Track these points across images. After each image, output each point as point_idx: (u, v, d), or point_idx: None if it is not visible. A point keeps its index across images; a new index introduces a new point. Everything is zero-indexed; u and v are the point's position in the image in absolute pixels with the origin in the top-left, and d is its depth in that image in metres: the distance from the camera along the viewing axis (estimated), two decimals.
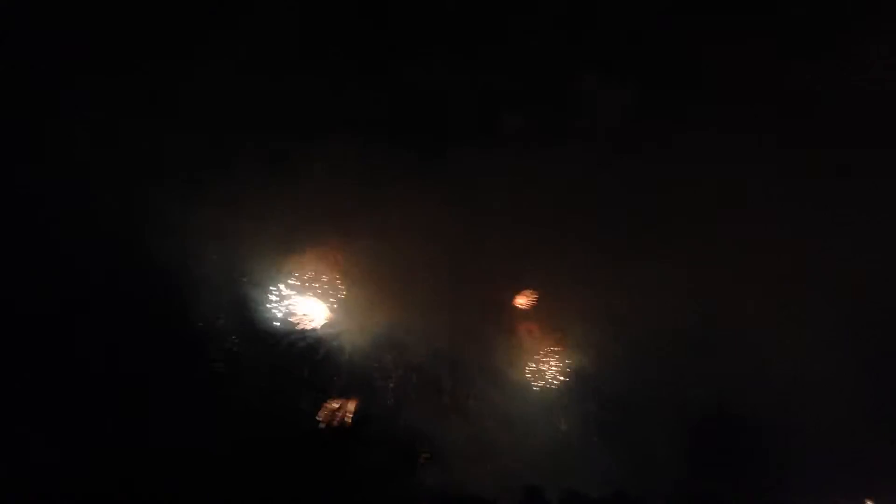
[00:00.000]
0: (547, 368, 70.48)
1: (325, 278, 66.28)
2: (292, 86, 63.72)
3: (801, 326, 64.84)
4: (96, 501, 47.89)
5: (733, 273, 68.58)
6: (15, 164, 55.02)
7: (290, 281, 65.06)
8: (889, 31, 64.63)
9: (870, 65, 65.13)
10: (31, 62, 56.80)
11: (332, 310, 66.74)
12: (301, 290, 65.71)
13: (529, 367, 70.31)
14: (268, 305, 64.31)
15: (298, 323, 65.50)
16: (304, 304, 66.17)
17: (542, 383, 70.00)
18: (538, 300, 72.21)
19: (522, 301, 72.53)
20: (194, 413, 53.94)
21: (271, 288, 64.42)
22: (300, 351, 65.03)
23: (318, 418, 64.59)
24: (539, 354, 70.88)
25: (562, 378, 69.91)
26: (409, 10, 68.62)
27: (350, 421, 65.37)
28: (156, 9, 59.72)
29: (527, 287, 72.38)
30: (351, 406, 66.10)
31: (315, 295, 66.22)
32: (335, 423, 65.14)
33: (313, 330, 66.07)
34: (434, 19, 68.96)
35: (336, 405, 66.01)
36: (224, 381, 59.83)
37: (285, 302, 65.05)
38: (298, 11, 64.14)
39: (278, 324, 64.54)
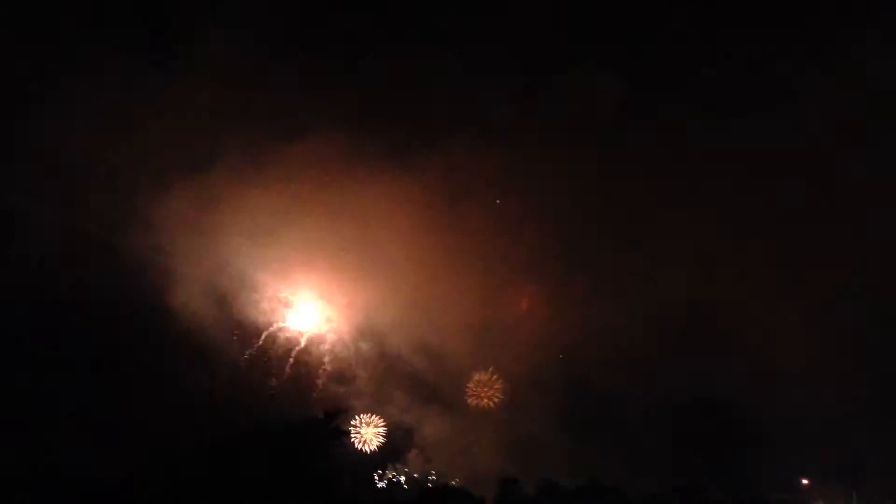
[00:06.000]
0: (526, 361, 70.55)
1: (306, 270, 66.50)
2: (274, 81, 63.95)
3: (789, 323, 65.32)
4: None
5: (723, 268, 68.85)
6: None
7: (272, 274, 65.59)
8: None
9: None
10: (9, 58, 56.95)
11: (315, 302, 67.35)
12: (283, 283, 66.46)
13: (509, 359, 70.52)
14: (250, 298, 65.08)
15: (281, 316, 66.46)
16: (286, 297, 67.06)
17: (520, 376, 70.13)
18: (519, 294, 72.06)
19: (507, 295, 72.07)
20: (168, 408, 55.00)
21: (254, 281, 64.92)
22: (282, 344, 65.99)
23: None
24: (518, 348, 70.88)
25: (541, 372, 69.82)
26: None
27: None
28: (133, 7, 59.81)
29: (510, 282, 71.89)
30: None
31: (298, 287, 66.99)
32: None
33: (296, 322, 66.89)
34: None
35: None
36: (203, 374, 60.55)
37: (268, 294, 65.91)
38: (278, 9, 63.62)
39: (261, 316, 65.58)
